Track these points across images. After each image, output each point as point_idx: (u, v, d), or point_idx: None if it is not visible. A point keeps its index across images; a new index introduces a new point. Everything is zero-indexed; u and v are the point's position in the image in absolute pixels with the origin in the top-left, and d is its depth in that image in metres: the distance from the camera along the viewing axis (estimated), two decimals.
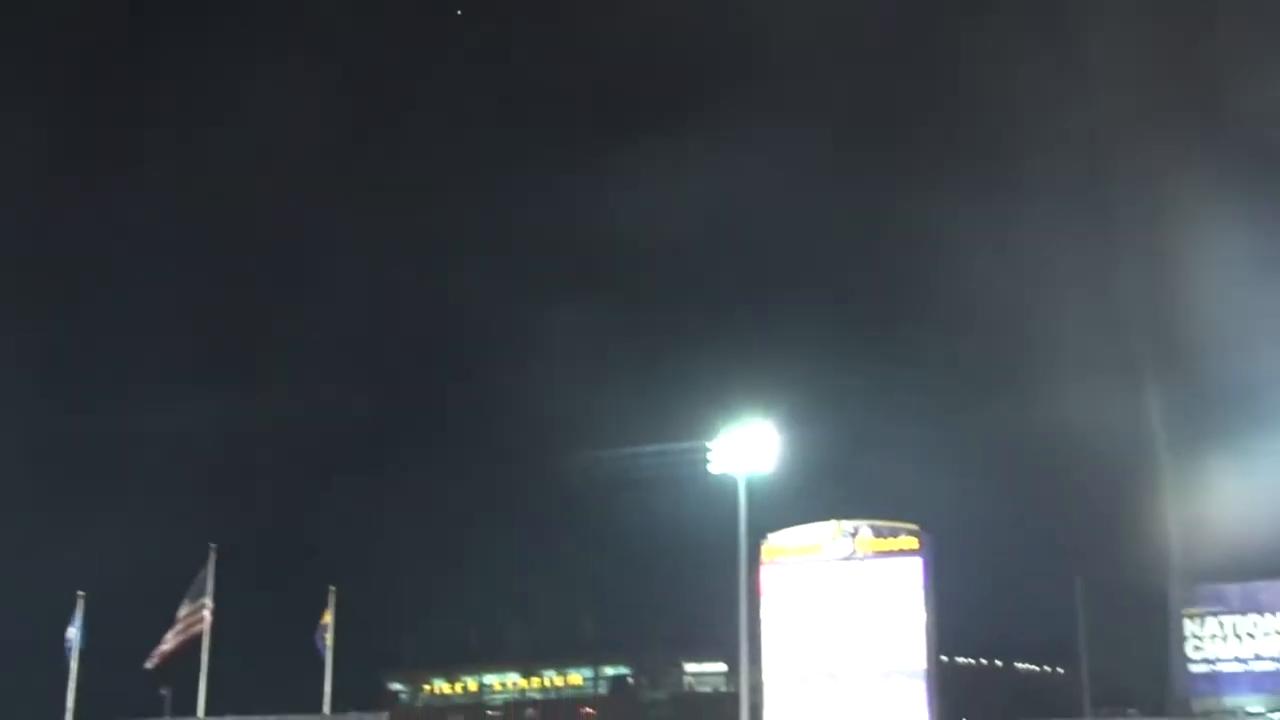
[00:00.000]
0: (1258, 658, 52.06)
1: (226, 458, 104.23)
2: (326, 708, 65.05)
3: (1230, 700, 52.18)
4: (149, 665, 64.27)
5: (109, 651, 65.96)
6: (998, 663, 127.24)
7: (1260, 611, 52.23)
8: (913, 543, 57.42)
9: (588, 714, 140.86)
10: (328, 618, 65.37)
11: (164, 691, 70.40)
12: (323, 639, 65.20)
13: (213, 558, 64.97)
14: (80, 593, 65.90)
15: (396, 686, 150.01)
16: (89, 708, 64.96)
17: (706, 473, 63.09)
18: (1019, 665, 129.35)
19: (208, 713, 64.85)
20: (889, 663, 56.47)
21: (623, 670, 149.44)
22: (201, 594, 64.33)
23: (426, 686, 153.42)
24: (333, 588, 66.13)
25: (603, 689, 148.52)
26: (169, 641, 63.65)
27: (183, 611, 63.79)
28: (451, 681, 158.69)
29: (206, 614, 63.88)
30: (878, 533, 58.26)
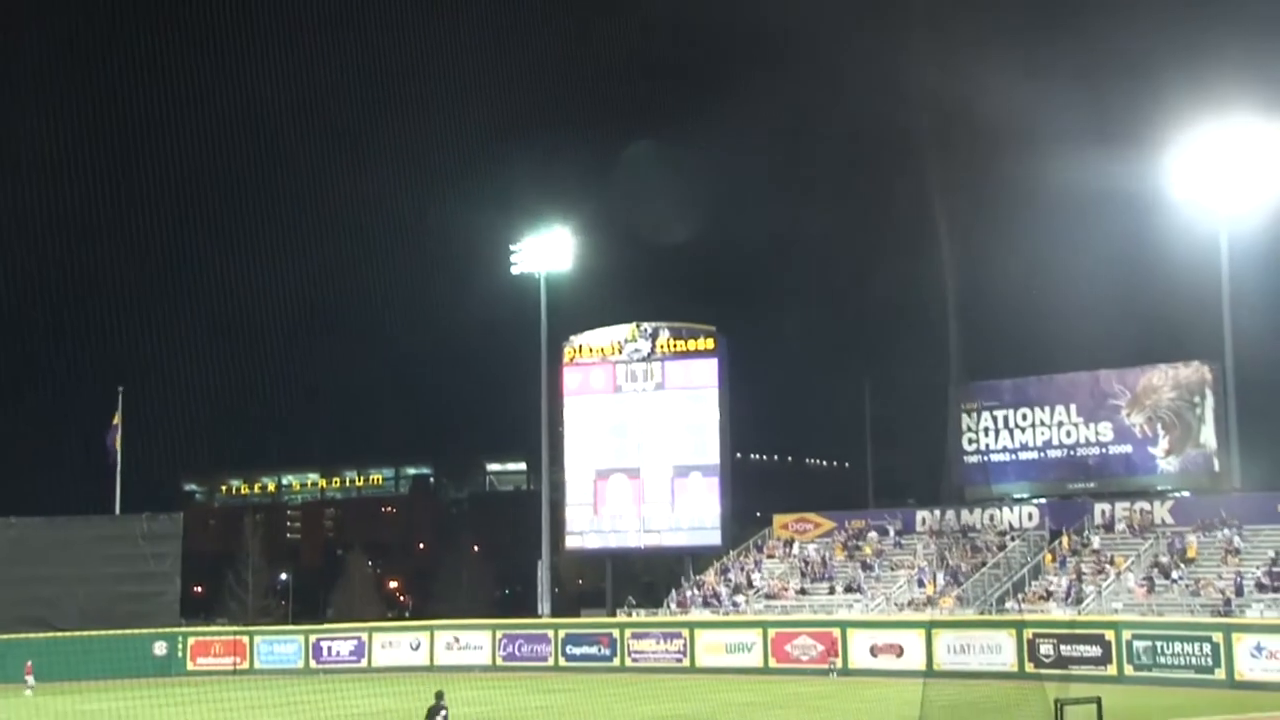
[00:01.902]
0: (1024, 448, 55.39)
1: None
2: (117, 509, 63.83)
3: (998, 488, 55.61)
4: None
5: None
6: (789, 459, 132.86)
7: (1030, 405, 55.35)
8: (709, 344, 58.76)
9: (388, 513, 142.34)
10: (117, 419, 63.65)
11: None
12: (113, 440, 63.58)
13: None
14: None
15: (191, 488, 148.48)
16: None
17: (509, 275, 63.12)
18: (809, 460, 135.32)
19: None
20: (686, 459, 58.29)
21: (424, 470, 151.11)
22: None
23: (223, 488, 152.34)
24: (121, 388, 64.24)
25: (404, 489, 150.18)
26: None
27: None
28: (249, 482, 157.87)
29: None
30: (676, 334, 59.35)
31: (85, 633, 51.59)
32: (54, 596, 54.80)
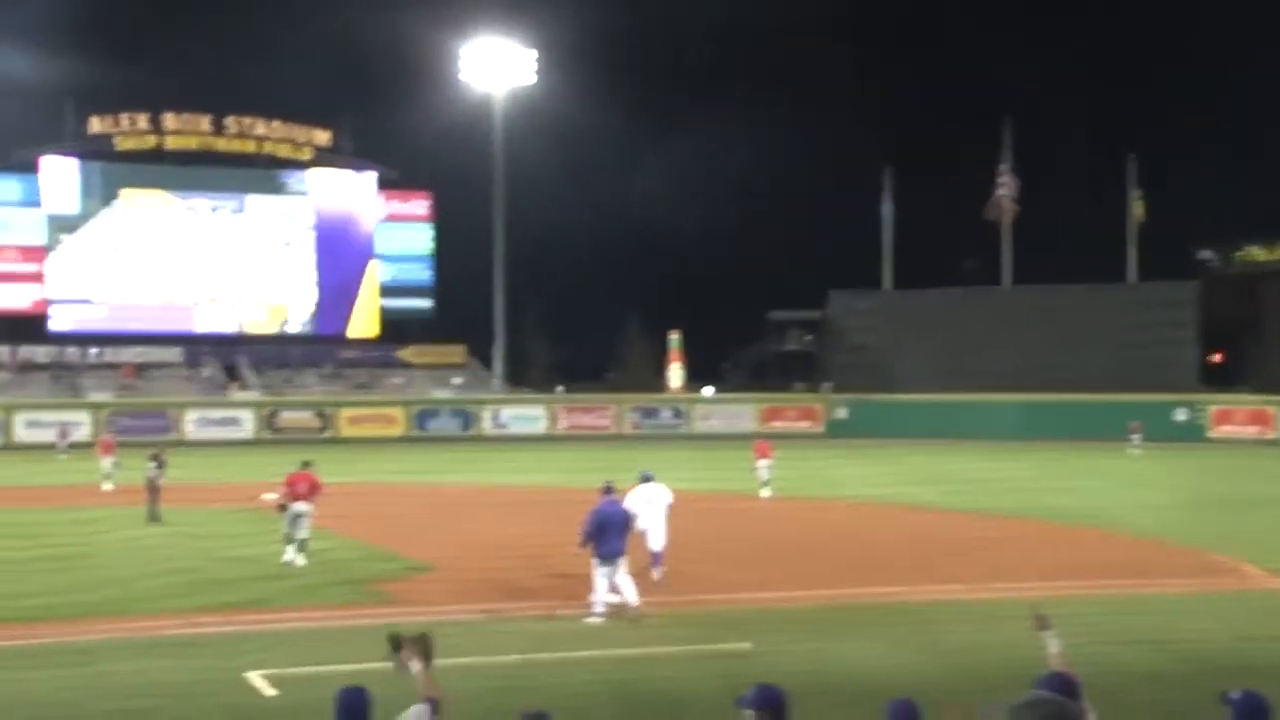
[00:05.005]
0: None
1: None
2: (1132, 277, 64.06)
3: None
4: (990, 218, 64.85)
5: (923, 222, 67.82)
6: None
7: None
8: None
9: None
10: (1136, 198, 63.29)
11: (969, 262, 71.09)
12: (1132, 209, 63.74)
13: (1009, 129, 64.72)
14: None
15: (1205, 255, 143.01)
16: (899, 276, 68.30)
17: None
18: None
19: (1013, 283, 66.15)
20: None
21: None
22: (1002, 162, 64.74)
23: (1237, 254, 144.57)
24: (1132, 155, 63.59)
25: None
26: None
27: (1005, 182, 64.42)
28: (1269, 248, 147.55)
29: (1007, 186, 64.44)
30: None
31: (1106, 396, 52.73)
32: (1073, 360, 56.91)
